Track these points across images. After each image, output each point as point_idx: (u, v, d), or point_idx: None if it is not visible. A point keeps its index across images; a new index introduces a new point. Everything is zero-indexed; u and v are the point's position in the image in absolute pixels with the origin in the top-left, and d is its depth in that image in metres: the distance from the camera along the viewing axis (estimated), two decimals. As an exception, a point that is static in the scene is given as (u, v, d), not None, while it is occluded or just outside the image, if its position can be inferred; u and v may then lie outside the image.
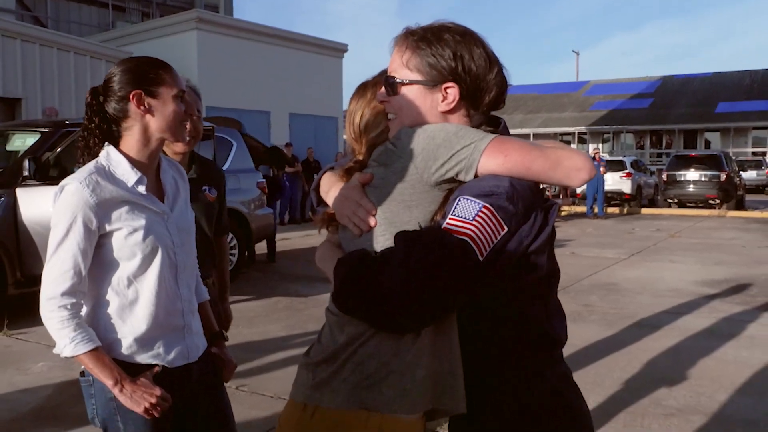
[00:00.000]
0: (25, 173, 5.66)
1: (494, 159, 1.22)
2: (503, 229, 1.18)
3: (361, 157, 1.41)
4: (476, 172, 1.23)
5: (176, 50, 14.41)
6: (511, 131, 1.38)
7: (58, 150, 5.85)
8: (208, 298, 2.04)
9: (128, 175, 1.68)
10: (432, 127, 1.26)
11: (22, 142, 6.32)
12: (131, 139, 1.70)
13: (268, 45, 15.93)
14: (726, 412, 3.79)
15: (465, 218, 1.17)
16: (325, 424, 1.26)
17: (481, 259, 1.16)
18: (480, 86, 1.29)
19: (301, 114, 16.64)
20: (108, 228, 1.65)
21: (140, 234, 1.67)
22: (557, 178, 1.24)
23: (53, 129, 6.18)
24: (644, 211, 18.63)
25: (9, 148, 6.52)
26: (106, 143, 1.71)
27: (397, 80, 1.32)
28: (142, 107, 1.68)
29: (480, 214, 1.17)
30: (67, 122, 6.38)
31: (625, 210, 18.41)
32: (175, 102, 1.71)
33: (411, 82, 1.31)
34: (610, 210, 17.85)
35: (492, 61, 1.30)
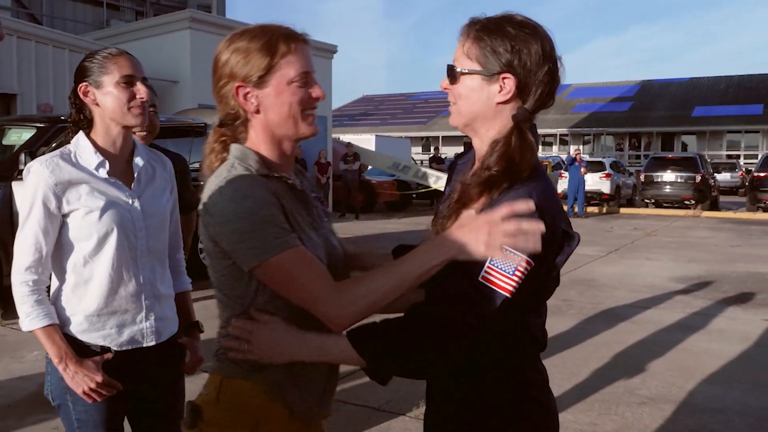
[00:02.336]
0: (21, 167, 5.60)
1: (266, 273, 1.24)
2: (531, 265, 1.20)
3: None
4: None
5: (169, 49, 14.33)
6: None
7: (53, 145, 5.77)
8: (189, 288, 2.09)
9: (90, 159, 1.74)
10: (242, 210, 1.24)
11: (18, 136, 6.29)
12: (96, 127, 1.78)
13: (260, 45, 15.97)
14: (695, 401, 3.91)
15: (505, 272, 1.18)
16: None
17: (510, 297, 1.20)
18: (528, 82, 1.28)
19: (291, 113, 16.74)
20: (67, 208, 1.70)
21: (96, 215, 1.71)
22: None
23: (49, 124, 6.18)
24: (622, 210, 18.91)
25: (5, 142, 6.49)
26: (81, 131, 1.79)
27: (458, 69, 1.32)
28: (88, 98, 1.76)
29: (519, 268, 1.18)
30: (62, 117, 6.35)
31: (604, 209, 18.68)
32: (117, 88, 1.73)
33: (470, 72, 1.31)
34: (590, 209, 18.06)
35: (546, 58, 1.28)
